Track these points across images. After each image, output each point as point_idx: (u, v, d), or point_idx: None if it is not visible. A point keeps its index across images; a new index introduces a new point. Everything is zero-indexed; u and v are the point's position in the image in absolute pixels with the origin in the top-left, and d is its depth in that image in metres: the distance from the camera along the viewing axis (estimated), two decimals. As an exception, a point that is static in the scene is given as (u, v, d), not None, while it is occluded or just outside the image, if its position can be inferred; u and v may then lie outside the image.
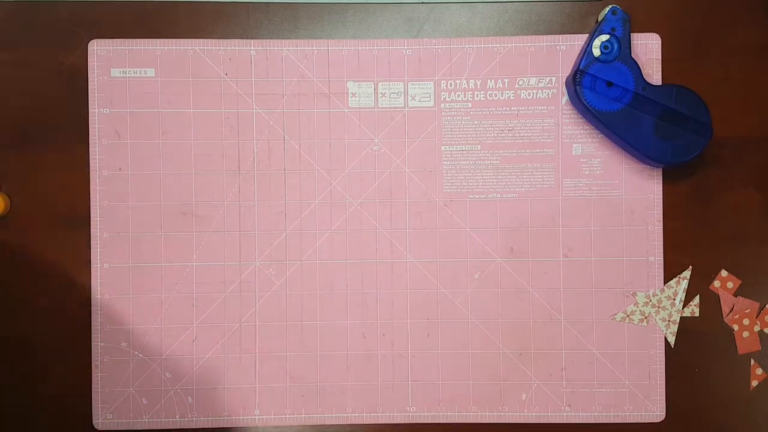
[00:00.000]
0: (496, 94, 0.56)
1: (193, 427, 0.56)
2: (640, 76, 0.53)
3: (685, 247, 0.56)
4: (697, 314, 0.56)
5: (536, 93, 0.56)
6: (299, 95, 0.56)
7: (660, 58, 0.55)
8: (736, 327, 0.56)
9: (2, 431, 0.55)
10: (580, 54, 0.54)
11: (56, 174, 0.55)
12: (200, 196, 0.56)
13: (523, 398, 0.56)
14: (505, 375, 0.56)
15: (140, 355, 0.55)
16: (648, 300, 0.55)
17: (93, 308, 0.55)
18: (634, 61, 0.53)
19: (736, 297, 0.56)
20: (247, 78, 0.56)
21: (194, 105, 0.55)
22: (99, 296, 0.55)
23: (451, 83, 0.56)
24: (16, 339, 0.56)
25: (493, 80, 0.56)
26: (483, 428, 0.56)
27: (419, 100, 0.56)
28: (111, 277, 0.55)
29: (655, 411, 0.56)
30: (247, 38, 0.56)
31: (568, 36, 0.56)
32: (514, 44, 0.55)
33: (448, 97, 0.56)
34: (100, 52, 0.55)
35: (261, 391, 0.56)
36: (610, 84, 0.53)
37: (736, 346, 0.56)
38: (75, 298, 0.55)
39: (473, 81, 0.56)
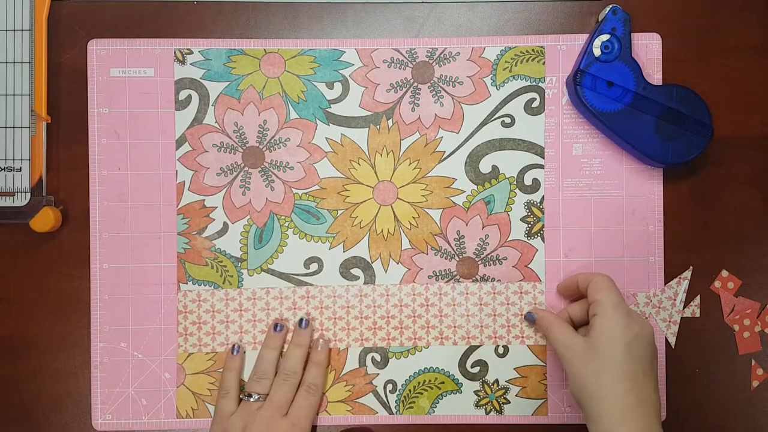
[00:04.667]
0: (496, 94, 0.56)
1: (193, 427, 0.55)
2: (640, 76, 0.53)
3: (686, 247, 0.56)
4: (697, 314, 0.56)
5: (536, 93, 0.56)
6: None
7: (660, 58, 0.55)
8: (736, 327, 0.56)
9: (2, 431, 0.55)
10: (580, 54, 0.54)
11: (56, 173, 0.55)
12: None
13: (524, 399, 0.56)
14: (506, 375, 0.56)
15: (140, 356, 0.55)
16: (648, 300, 0.55)
17: (92, 308, 0.55)
18: (635, 60, 0.53)
19: (736, 297, 0.56)
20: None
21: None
22: (99, 296, 0.55)
23: (451, 83, 0.56)
24: (16, 339, 0.56)
25: (493, 80, 0.56)
26: (483, 428, 0.56)
27: (419, 100, 0.56)
28: (111, 277, 0.55)
29: (656, 411, 0.55)
30: (247, 38, 0.56)
31: (569, 36, 0.56)
32: (514, 44, 0.55)
33: (449, 97, 0.56)
34: (100, 51, 0.55)
35: (261, 392, 0.56)
36: (610, 84, 0.53)
37: (736, 347, 0.56)
38: (75, 298, 0.55)
39: (473, 81, 0.56)
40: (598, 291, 0.48)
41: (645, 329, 0.47)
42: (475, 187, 0.56)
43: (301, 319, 0.54)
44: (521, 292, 0.55)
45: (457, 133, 0.55)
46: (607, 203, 0.56)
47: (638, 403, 0.44)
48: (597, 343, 0.46)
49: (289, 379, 0.52)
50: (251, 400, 0.52)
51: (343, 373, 0.56)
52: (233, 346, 0.54)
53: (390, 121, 0.55)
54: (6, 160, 0.55)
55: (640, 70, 0.53)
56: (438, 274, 0.56)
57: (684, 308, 0.56)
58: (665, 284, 0.56)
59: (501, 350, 0.55)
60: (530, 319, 0.53)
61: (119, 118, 0.55)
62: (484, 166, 0.56)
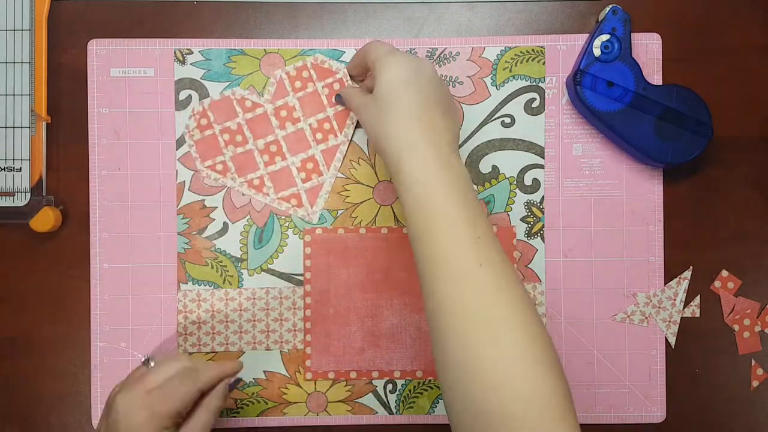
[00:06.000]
0: (496, 94, 0.56)
1: (193, 427, 0.55)
2: (640, 75, 0.53)
3: (686, 247, 0.56)
4: (697, 314, 0.56)
5: (536, 93, 0.56)
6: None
7: (660, 58, 0.55)
8: (736, 327, 0.56)
9: (1, 431, 0.55)
10: (580, 54, 0.54)
11: (56, 173, 0.55)
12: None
13: (524, 399, 0.56)
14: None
15: (140, 356, 0.55)
16: (648, 300, 0.55)
17: (92, 308, 0.55)
18: (635, 60, 0.53)
19: (736, 297, 0.56)
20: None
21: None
22: (99, 296, 0.55)
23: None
24: (16, 339, 0.56)
25: (493, 80, 0.56)
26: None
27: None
28: (111, 277, 0.55)
29: (656, 411, 0.55)
30: (247, 38, 0.56)
31: (568, 36, 0.56)
32: (514, 44, 0.55)
33: (448, 97, 0.56)
34: (100, 51, 0.55)
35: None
36: (610, 84, 0.53)
37: (736, 347, 0.56)
38: (75, 298, 0.55)
39: (473, 81, 0.56)
40: (371, 52, 0.48)
41: (424, 64, 0.46)
42: (475, 187, 0.56)
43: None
44: (521, 292, 0.55)
45: (457, 133, 0.55)
46: (607, 203, 0.56)
47: (426, 128, 0.43)
48: (381, 90, 0.45)
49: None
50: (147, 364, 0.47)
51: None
52: (146, 358, 0.49)
53: (390, 121, 0.55)
54: (6, 160, 0.55)
55: (640, 70, 0.53)
56: (438, 274, 0.56)
57: (684, 308, 0.56)
58: (665, 284, 0.56)
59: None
60: (338, 100, 0.54)
61: (119, 118, 0.55)
62: (484, 166, 0.56)
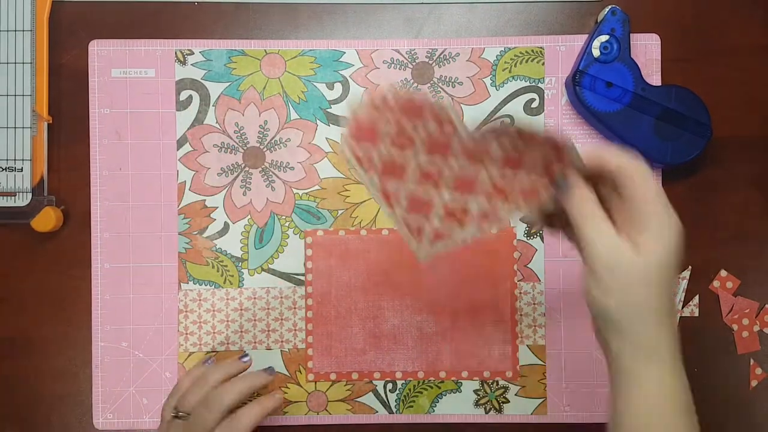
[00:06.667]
0: (496, 94, 0.56)
1: (194, 426, 0.56)
2: (639, 76, 0.53)
3: (685, 247, 0.56)
4: (696, 314, 0.56)
5: (536, 93, 0.56)
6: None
7: (659, 58, 0.55)
8: (735, 327, 0.56)
9: (2, 431, 0.56)
10: (579, 54, 0.54)
11: (57, 174, 0.55)
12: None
13: (523, 398, 0.56)
14: (505, 375, 0.56)
15: (140, 355, 0.55)
16: (648, 300, 0.55)
17: (93, 308, 0.55)
18: (634, 61, 0.53)
19: (735, 297, 0.56)
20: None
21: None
22: (99, 296, 0.55)
23: (451, 83, 0.56)
24: (16, 339, 0.56)
25: (493, 80, 0.56)
26: (483, 427, 0.56)
27: (419, 101, 0.56)
28: (112, 277, 0.55)
29: (655, 411, 0.56)
30: (248, 39, 0.56)
31: (568, 36, 0.56)
32: (513, 45, 0.56)
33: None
34: (101, 52, 0.55)
35: (261, 391, 0.56)
36: (609, 84, 0.53)
37: (735, 346, 0.56)
38: (76, 297, 0.55)
39: (473, 81, 0.56)
40: (638, 172, 0.37)
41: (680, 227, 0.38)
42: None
43: (270, 368, 0.54)
44: (521, 293, 0.56)
45: (457, 133, 0.56)
46: (606, 203, 0.56)
47: (672, 329, 0.38)
48: (656, 257, 0.36)
49: (213, 407, 0.48)
50: (178, 416, 0.49)
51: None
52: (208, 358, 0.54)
53: (390, 122, 0.55)
54: (7, 160, 0.55)
55: (639, 70, 0.53)
56: (438, 273, 0.56)
57: (683, 308, 0.56)
58: (664, 284, 0.56)
59: (501, 350, 0.56)
60: (561, 185, 0.39)
61: (120, 118, 0.55)
62: (484, 166, 0.56)
